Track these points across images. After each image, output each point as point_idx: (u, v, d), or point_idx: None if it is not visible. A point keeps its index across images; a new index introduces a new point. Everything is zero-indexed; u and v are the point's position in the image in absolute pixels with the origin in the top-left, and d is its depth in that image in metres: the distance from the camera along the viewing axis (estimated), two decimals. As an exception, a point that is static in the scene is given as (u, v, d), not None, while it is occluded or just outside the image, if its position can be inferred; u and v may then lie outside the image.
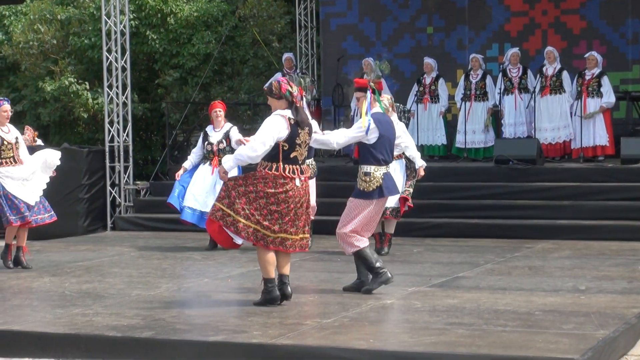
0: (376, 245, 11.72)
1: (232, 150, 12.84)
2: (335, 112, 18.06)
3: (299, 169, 8.25)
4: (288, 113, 8.20)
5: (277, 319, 7.88)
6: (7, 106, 11.22)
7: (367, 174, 8.82)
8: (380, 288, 9.00)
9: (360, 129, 8.80)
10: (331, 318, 7.83)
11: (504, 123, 16.05)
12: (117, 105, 16.12)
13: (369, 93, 8.93)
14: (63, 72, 20.11)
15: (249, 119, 19.82)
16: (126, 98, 16.25)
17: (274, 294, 8.32)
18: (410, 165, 11.46)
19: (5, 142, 11.08)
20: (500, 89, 16.07)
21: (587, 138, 15.34)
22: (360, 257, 8.89)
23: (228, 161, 8.29)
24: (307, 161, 9.27)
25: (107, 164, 16.06)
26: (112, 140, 16.15)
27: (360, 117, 8.95)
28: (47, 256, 12.39)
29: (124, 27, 16.24)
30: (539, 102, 15.68)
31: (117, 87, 16.12)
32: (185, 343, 7.20)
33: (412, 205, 11.50)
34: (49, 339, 7.48)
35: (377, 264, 8.85)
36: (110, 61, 16.12)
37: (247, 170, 8.44)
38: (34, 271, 10.96)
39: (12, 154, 11.11)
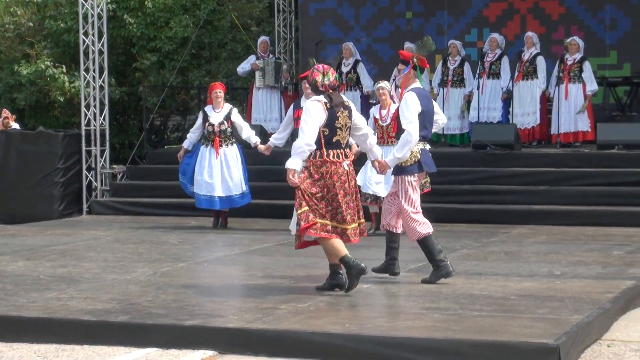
0: (371, 225, 11.72)
1: (233, 132, 13.00)
2: (312, 97, 17.98)
3: (343, 153, 8.13)
4: (322, 98, 8.10)
5: (252, 303, 7.86)
6: None
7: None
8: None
9: (417, 106, 8.47)
10: (307, 302, 7.82)
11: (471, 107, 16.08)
12: (94, 88, 16.03)
13: (409, 68, 8.71)
14: (39, 56, 19.97)
15: (227, 102, 19.73)
16: (103, 82, 16.16)
17: (341, 280, 8.15)
18: None
19: None
20: (478, 73, 16.09)
21: (569, 124, 15.38)
22: (421, 245, 8.65)
23: (293, 162, 8.00)
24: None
25: (84, 148, 15.97)
26: (88, 124, 16.06)
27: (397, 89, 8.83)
28: (21, 240, 12.32)
29: (101, 10, 16.13)
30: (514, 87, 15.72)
31: (94, 71, 16.02)
32: (161, 327, 7.17)
33: (430, 189, 11.46)
34: (23, 323, 7.44)
35: (440, 256, 8.62)
36: (87, 44, 16.02)
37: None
38: (8, 255, 10.91)
39: None
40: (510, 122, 15.59)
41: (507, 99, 15.91)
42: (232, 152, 13.06)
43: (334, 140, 8.08)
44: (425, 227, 8.62)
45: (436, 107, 9.07)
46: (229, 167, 12.99)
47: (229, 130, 12.97)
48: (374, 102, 14.93)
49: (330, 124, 8.06)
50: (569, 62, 15.41)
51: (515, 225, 12.82)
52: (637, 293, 8.36)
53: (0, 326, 7.44)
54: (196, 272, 9.66)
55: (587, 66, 15.34)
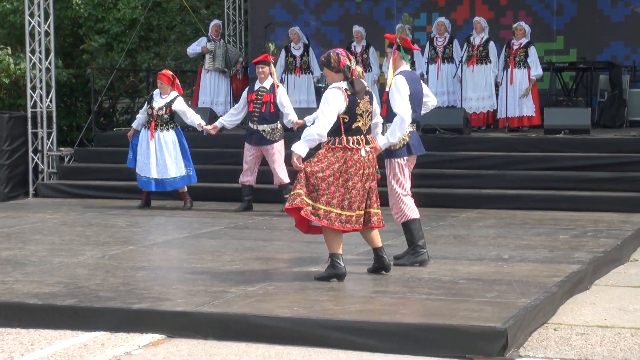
0: None
1: (170, 118, 13.22)
2: (262, 80, 17.93)
3: (364, 139, 8.01)
4: (343, 85, 7.95)
5: (201, 286, 7.83)
6: None
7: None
8: (305, 257, 9.00)
9: (406, 89, 8.45)
10: (256, 286, 7.81)
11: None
12: (40, 70, 15.83)
13: (393, 49, 8.68)
14: (-16, 37, 19.70)
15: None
16: (49, 63, 15.96)
17: (340, 270, 8.01)
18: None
19: None
20: (427, 58, 16.13)
21: (514, 108, 15.51)
22: (405, 227, 8.67)
23: (300, 146, 7.89)
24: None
25: (29, 130, 15.78)
26: (34, 106, 15.87)
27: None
28: (-33, 223, 12.16)
29: (48, -10, 15.92)
30: (465, 71, 15.79)
31: (40, 53, 15.82)
32: (108, 311, 7.12)
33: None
34: (-32, 307, 7.35)
35: (420, 242, 8.67)
36: (33, 26, 15.81)
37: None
38: (-46, 238, 10.76)
39: None
40: (460, 106, 15.65)
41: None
42: (167, 137, 13.21)
43: (353, 127, 7.95)
44: (413, 211, 8.66)
45: (426, 89, 9.05)
46: (162, 151, 13.15)
47: (166, 116, 13.23)
48: (322, 85, 14.92)
49: (351, 111, 7.93)
50: (514, 47, 15.52)
51: (463, 209, 12.89)
52: (583, 277, 8.45)
53: (-55, 310, 7.34)
54: (145, 255, 9.60)
55: (532, 51, 15.47)
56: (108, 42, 19.99)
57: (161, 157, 13.14)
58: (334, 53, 8.06)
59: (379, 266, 8.27)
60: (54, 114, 16.06)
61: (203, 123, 13.16)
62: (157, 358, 6.44)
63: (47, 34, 15.90)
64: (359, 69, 8.32)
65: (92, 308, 7.16)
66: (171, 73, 13.57)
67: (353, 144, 7.94)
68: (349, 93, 7.93)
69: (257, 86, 12.87)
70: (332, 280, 8.00)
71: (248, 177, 12.94)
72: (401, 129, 8.40)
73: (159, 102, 13.30)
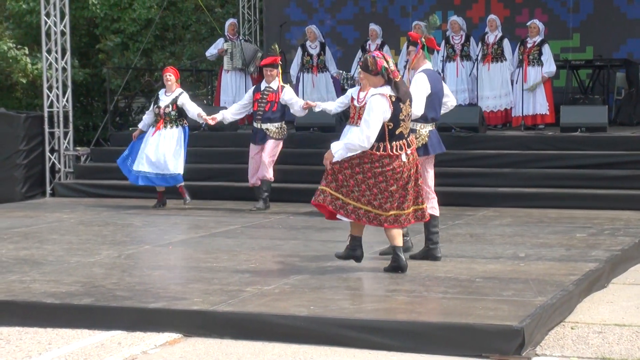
0: None
1: (178, 115, 13.21)
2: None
3: (406, 143, 8.01)
4: (388, 90, 7.87)
5: (217, 285, 7.84)
6: None
7: (413, 131, 8.54)
8: (321, 256, 9.00)
9: (427, 88, 8.48)
10: (272, 285, 7.81)
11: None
12: (57, 70, 15.88)
13: (418, 48, 8.70)
14: (1, 37, 19.76)
15: (191, 85, 19.68)
16: (65, 63, 16.00)
17: (402, 262, 8.15)
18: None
19: None
20: (443, 56, 16.10)
21: (528, 106, 15.48)
22: (427, 223, 8.68)
23: (339, 149, 7.91)
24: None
25: (46, 130, 15.83)
26: (51, 106, 15.92)
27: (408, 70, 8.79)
28: (-16, 223, 12.21)
29: (64, -10, 15.97)
30: (480, 70, 15.75)
31: (56, 52, 15.86)
32: (125, 310, 7.13)
33: None
34: (-15, 306, 7.37)
35: (435, 238, 8.81)
36: (49, 25, 15.86)
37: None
38: (-29, 238, 10.80)
39: None
40: (476, 104, 15.61)
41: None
42: (170, 134, 13.26)
43: (397, 132, 7.92)
44: (434, 209, 8.75)
45: (446, 89, 9.05)
46: (163, 146, 13.19)
47: (174, 113, 13.28)
48: (343, 75, 14.90)
49: (395, 118, 7.89)
50: (528, 45, 15.48)
51: (480, 208, 12.87)
52: (600, 275, 8.43)
53: (-38, 309, 7.37)
54: (161, 254, 9.62)
55: (546, 49, 15.42)
56: (124, 42, 20.03)
57: (162, 151, 13.15)
58: (370, 56, 8.01)
59: (396, 265, 8.27)
60: (71, 114, 16.11)
61: (203, 113, 13.17)
62: (173, 357, 6.45)
63: (63, 33, 15.94)
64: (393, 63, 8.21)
65: (108, 307, 7.18)
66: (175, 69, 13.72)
67: (395, 150, 7.93)
68: (393, 100, 7.87)
69: (263, 86, 12.98)
70: (398, 272, 8.13)
71: (255, 179, 13.01)
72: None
73: (164, 100, 13.37)
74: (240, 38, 17.53)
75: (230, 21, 17.71)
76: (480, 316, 6.64)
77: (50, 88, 15.94)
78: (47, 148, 15.86)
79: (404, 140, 7.99)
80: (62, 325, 7.09)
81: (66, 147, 16.00)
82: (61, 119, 15.90)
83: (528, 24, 15.71)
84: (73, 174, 15.95)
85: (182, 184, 13.37)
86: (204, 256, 9.61)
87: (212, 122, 13.09)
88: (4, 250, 9.88)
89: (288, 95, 12.84)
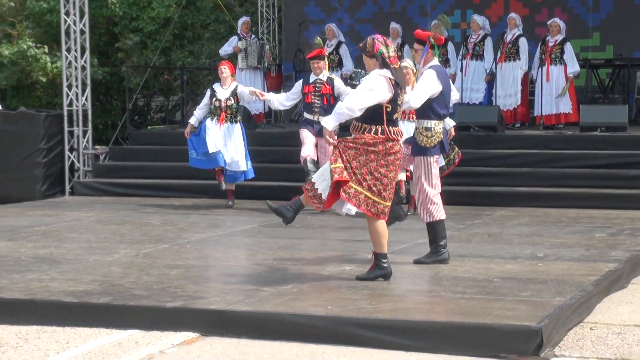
0: (409, 207, 11.63)
1: (237, 107, 13.22)
2: (296, 77, 17.94)
3: (400, 131, 7.88)
4: (387, 73, 7.74)
5: (235, 285, 7.84)
6: None
7: (428, 129, 8.55)
8: (339, 255, 8.99)
9: (435, 84, 8.47)
10: (289, 284, 7.81)
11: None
12: (76, 69, 15.93)
13: (427, 47, 8.67)
14: (21, 36, 19.84)
15: (209, 83, 19.69)
16: (85, 62, 16.06)
17: (387, 269, 7.90)
18: None
19: None
20: (461, 55, 16.07)
21: (551, 106, 15.39)
22: (430, 227, 8.65)
23: (329, 121, 7.72)
24: None
25: (66, 128, 15.89)
26: (70, 105, 15.98)
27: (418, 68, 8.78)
28: (3, 221, 12.26)
29: (83, -11, 16.02)
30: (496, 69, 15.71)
31: (75, 51, 15.92)
32: (143, 309, 7.14)
33: (461, 154, 11.40)
34: (4, 304, 7.39)
35: (442, 242, 8.67)
36: (69, 24, 15.91)
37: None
38: (-10, 236, 10.85)
39: None
40: (493, 103, 15.57)
41: (491, 81, 15.88)
42: (235, 130, 13.19)
43: (394, 117, 7.80)
44: (440, 212, 8.65)
45: (451, 83, 9.05)
46: (231, 143, 13.13)
47: (235, 106, 13.21)
48: (357, 83, 14.85)
49: (394, 102, 7.76)
50: (550, 44, 15.41)
51: (498, 207, 12.84)
52: (620, 275, 8.38)
53: (-19, 308, 7.40)
54: (179, 253, 9.63)
55: (568, 48, 15.34)
56: (142, 41, 20.08)
57: (230, 149, 13.10)
58: (370, 37, 7.91)
59: (384, 274, 7.99)
60: (90, 112, 16.16)
61: (253, 88, 13.22)
62: (190, 356, 6.45)
63: (82, 32, 16.00)
64: (395, 53, 8.12)
65: (126, 306, 7.19)
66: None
67: (394, 134, 7.78)
68: (393, 82, 7.75)
69: (312, 78, 12.78)
70: (378, 280, 7.93)
71: (309, 151, 12.60)
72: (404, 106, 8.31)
73: (223, 93, 13.21)
74: (254, 37, 17.51)
75: (243, 19, 17.69)
76: (499, 316, 6.61)
77: (69, 87, 15.99)
78: (67, 147, 15.91)
79: (398, 127, 7.86)
80: (80, 324, 7.11)
81: (85, 145, 16.05)
82: (80, 117, 15.95)
83: (549, 22, 15.63)
84: (92, 173, 16.01)
85: (233, 187, 13.40)
86: (221, 255, 9.62)
87: (261, 97, 12.93)
88: (23, 249, 9.92)
89: (338, 86, 12.71)
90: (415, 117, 8.98)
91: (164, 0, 19.88)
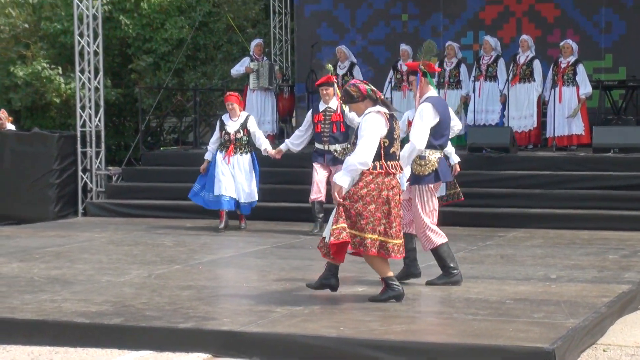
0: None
1: (249, 140, 13.08)
2: (308, 99, 18.00)
3: (398, 165, 7.91)
4: (382, 108, 7.82)
5: (247, 306, 7.84)
6: None
7: (422, 157, 8.58)
8: (351, 276, 8.98)
9: (431, 118, 8.43)
10: (301, 306, 7.80)
11: (468, 109, 16.08)
12: (89, 90, 16.00)
13: (418, 76, 8.66)
14: (35, 57, 19.93)
15: (222, 105, 19.73)
16: (98, 83, 16.13)
17: (399, 290, 7.92)
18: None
19: None
20: (474, 76, 16.07)
21: (563, 127, 15.36)
22: (435, 253, 8.68)
23: (343, 179, 7.72)
24: None
25: (79, 149, 15.94)
26: (83, 126, 16.03)
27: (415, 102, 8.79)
28: (16, 241, 12.29)
29: (96, 11, 16.10)
30: (509, 90, 15.68)
31: (89, 72, 15.99)
32: (155, 330, 7.14)
33: (462, 198, 11.26)
34: (17, 325, 7.41)
35: (451, 264, 8.68)
36: (83, 46, 15.99)
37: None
38: (3, 256, 10.87)
39: None
40: (506, 125, 15.56)
41: (505, 102, 15.87)
42: (243, 161, 13.08)
43: (391, 151, 7.84)
44: (440, 237, 8.64)
45: (451, 113, 9.05)
46: (239, 175, 13.01)
47: (245, 138, 13.09)
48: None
49: (391, 135, 7.81)
50: (562, 65, 15.40)
51: (511, 229, 12.81)
52: (633, 297, 8.35)
53: (-6, 328, 7.41)
54: (190, 274, 9.63)
55: (580, 69, 15.33)
56: (155, 62, 20.14)
57: (240, 181, 12.99)
58: (352, 85, 7.96)
59: (392, 295, 7.98)
60: (103, 133, 16.21)
61: (269, 148, 13.02)
62: (202, 377, 6.44)
63: (96, 53, 16.07)
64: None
65: (138, 327, 7.19)
66: (236, 93, 13.58)
67: (392, 168, 7.83)
68: (388, 116, 7.82)
69: (322, 107, 12.70)
70: (391, 301, 7.92)
71: (318, 194, 12.64)
72: (411, 157, 8.40)
73: (232, 125, 13.11)
74: (266, 59, 17.56)
75: (256, 41, 17.74)
76: (511, 338, 6.59)
77: (83, 108, 16.05)
78: (80, 167, 15.95)
79: (396, 161, 7.89)
80: (92, 344, 7.11)
81: (98, 166, 16.09)
82: (93, 138, 16.00)
83: (561, 44, 15.62)
84: (104, 194, 16.04)
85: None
86: (233, 276, 9.62)
87: (279, 157, 12.87)
88: (36, 269, 9.94)
89: (347, 109, 12.52)
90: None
91: (177, 21, 19.96)
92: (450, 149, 10.93)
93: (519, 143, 15.70)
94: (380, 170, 7.77)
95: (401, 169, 7.97)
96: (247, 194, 13.06)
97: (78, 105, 16.08)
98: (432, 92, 8.69)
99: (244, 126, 13.10)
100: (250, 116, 13.33)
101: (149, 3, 20.10)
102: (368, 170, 7.76)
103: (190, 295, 8.38)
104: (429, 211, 8.64)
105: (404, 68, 16.66)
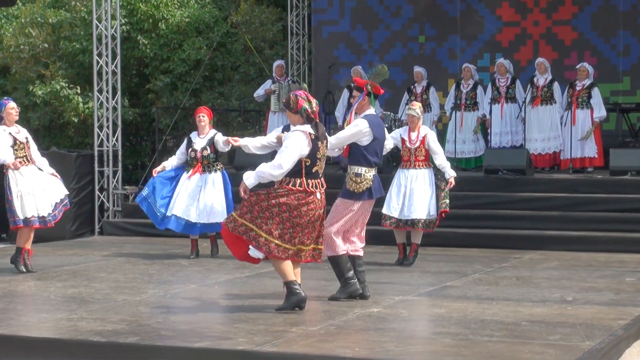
0: (399, 256, 11.63)
1: (216, 157, 12.61)
2: (326, 120, 18.04)
3: (320, 183, 8.29)
4: (308, 128, 8.19)
5: (262, 325, 7.84)
6: (12, 104, 11.13)
7: (358, 174, 8.82)
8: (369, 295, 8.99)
9: (360, 132, 8.77)
10: (317, 326, 7.80)
11: (490, 132, 16.08)
12: (107, 109, 16.09)
13: (364, 94, 8.92)
14: (54, 76, 20.07)
15: (239, 125, 19.80)
16: (116, 102, 16.21)
17: (300, 295, 8.31)
18: (439, 174, 11.41)
19: (17, 142, 11.01)
20: (490, 98, 16.08)
21: (576, 149, 15.36)
22: (334, 262, 8.92)
23: (249, 178, 8.16)
24: None
25: (96, 169, 16.02)
26: (101, 145, 16.12)
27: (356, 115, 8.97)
28: (33, 260, 12.26)
29: (115, 31, 16.21)
30: (529, 112, 15.69)
31: (107, 92, 16.08)
32: (170, 349, 7.15)
33: (447, 210, 11.42)
34: (33, 343, 7.44)
35: (349, 274, 8.88)
36: (101, 65, 16.09)
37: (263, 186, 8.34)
38: (20, 275, 10.92)
39: (24, 154, 11.05)
40: (524, 146, 15.55)
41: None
42: (213, 179, 12.50)
43: (313, 170, 8.21)
44: (340, 248, 8.85)
45: (386, 133, 9.28)
46: (209, 194, 12.42)
47: (212, 155, 12.52)
48: (386, 125, 14.89)
49: (313, 155, 8.18)
50: (577, 88, 15.41)
51: (527, 251, 12.79)
52: (650, 320, 8.31)
53: (11, 346, 7.44)
54: (206, 294, 9.65)
55: (595, 92, 15.33)
56: (173, 82, 20.24)
57: (209, 200, 12.39)
58: (293, 95, 8.34)
59: (296, 299, 8.35)
60: (120, 153, 16.29)
61: (229, 138, 12.56)
62: (217, 397, 6.44)
63: (114, 73, 16.17)
64: (316, 105, 8.34)
65: (153, 346, 7.20)
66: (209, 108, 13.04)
67: (311, 187, 8.18)
68: (313, 137, 8.14)
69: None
70: (295, 310, 8.21)
71: None
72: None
73: (199, 142, 12.54)
74: (288, 79, 17.64)
75: (278, 62, 17.83)
76: (527, 360, 6.58)
77: (100, 127, 16.14)
78: (97, 186, 16.03)
79: (318, 179, 8.26)
80: (108, 363, 7.13)
81: (115, 185, 16.16)
82: (111, 157, 16.08)
83: (577, 67, 15.64)
84: (121, 213, 16.10)
85: (214, 234, 12.63)
86: (248, 296, 9.62)
87: (234, 143, 11.59)
88: (52, 288, 9.97)
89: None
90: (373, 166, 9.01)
91: (194, 42, 20.07)
92: (445, 163, 11.39)
93: (541, 165, 15.72)
94: (300, 188, 8.14)
95: (321, 187, 8.27)
96: (208, 212, 12.38)
97: (96, 124, 16.16)
98: (370, 110, 8.97)
99: (210, 142, 12.50)
100: (218, 133, 12.63)
101: (167, 24, 20.23)
102: (286, 185, 8.15)
103: (206, 315, 8.40)
104: (340, 221, 8.81)
105: (418, 90, 16.70)
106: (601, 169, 15.16)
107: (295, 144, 8.10)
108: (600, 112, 15.28)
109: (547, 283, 10.14)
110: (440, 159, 11.40)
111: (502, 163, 14.72)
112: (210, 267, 11.70)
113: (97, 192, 16.02)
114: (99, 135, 16.12)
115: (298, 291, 8.31)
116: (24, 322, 8.05)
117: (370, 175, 8.83)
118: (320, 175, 8.31)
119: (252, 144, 12.53)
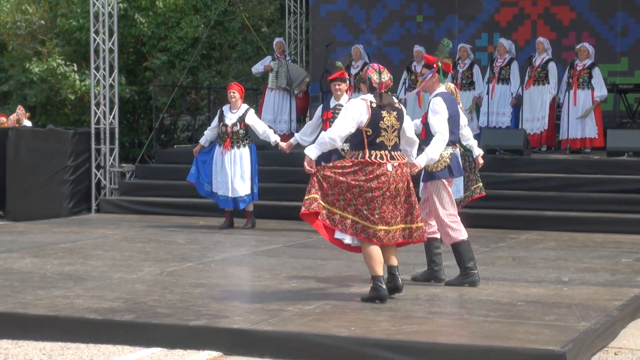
0: None
1: (245, 133, 12.95)
2: (323, 99, 18.00)
3: (389, 155, 7.83)
4: (369, 97, 7.89)
5: (258, 304, 7.85)
6: None
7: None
8: (363, 276, 8.98)
9: (444, 113, 8.45)
10: (313, 305, 7.81)
11: (480, 111, 16.06)
12: (104, 87, 16.04)
13: (434, 71, 8.68)
14: (50, 53, 20.01)
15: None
16: (113, 80, 16.17)
17: (381, 292, 7.84)
18: (466, 155, 10.55)
19: None
20: (487, 78, 16.05)
21: (576, 129, 15.33)
22: (453, 249, 8.66)
23: (310, 149, 7.86)
24: None
25: (93, 146, 15.99)
26: (98, 122, 16.08)
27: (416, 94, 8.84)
28: (29, 237, 12.34)
29: (112, 9, 16.15)
30: (524, 92, 15.66)
31: (104, 69, 16.03)
32: (166, 327, 7.16)
33: (484, 194, 11.16)
34: (29, 320, 7.45)
35: (470, 263, 8.64)
36: (98, 43, 16.04)
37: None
38: (16, 252, 10.92)
39: None
40: (520, 127, 15.54)
41: (516, 104, 15.86)
42: (241, 154, 12.96)
43: (377, 141, 7.82)
44: (460, 233, 8.62)
45: (463, 113, 9.07)
46: (235, 169, 12.93)
47: (242, 132, 12.93)
48: None
49: (374, 124, 7.81)
50: (578, 68, 15.36)
51: (523, 231, 12.80)
52: (645, 301, 8.33)
53: (7, 323, 7.45)
54: (203, 272, 9.65)
55: (596, 72, 15.28)
56: (170, 60, 20.20)
57: (234, 175, 12.89)
58: (368, 67, 8.14)
59: (392, 286, 8.01)
60: (117, 131, 16.25)
61: (278, 139, 12.85)
62: (213, 375, 6.46)
63: (111, 51, 16.11)
64: (389, 79, 8.13)
65: (150, 324, 7.22)
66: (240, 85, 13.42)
67: (376, 158, 7.80)
68: (374, 106, 7.85)
69: (332, 103, 12.26)
70: (376, 302, 7.91)
71: None
72: (440, 148, 8.35)
73: (231, 117, 12.94)
74: (288, 58, 17.59)
75: (277, 40, 17.77)
76: (522, 340, 6.59)
77: (97, 105, 16.10)
78: (94, 164, 16.01)
79: (386, 151, 7.84)
80: (104, 341, 7.14)
81: (112, 163, 16.14)
82: (107, 135, 16.04)
83: (578, 47, 15.57)
84: (118, 191, 16.09)
85: (251, 208, 13.23)
86: (245, 275, 9.64)
87: (287, 150, 12.54)
88: (49, 265, 9.98)
89: None
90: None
91: (192, 20, 20.01)
92: (472, 141, 10.80)
93: (531, 145, 15.68)
94: (362, 160, 7.81)
95: (392, 159, 7.85)
96: (241, 187, 12.90)
97: (93, 102, 16.13)
98: (441, 88, 8.72)
99: (241, 119, 12.89)
100: (250, 109, 13.07)
101: (164, 2, 20.17)
102: (351, 157, 7.86)
103: (202, 293, 8.40)
104: (447, 205, 8.60)
105: (418, 69, 16.65)
106: (599, 149, 15.14)
107: (350, 109, 7.81)
108: (601, 91, 15.23)
109: (543, 263, 10.15)
110: (469, 138, 10.80)
111: (499, 143, 14.71)
112: (207, 245, 11.71)
113: (93, 170, 16.00)
114: (95, 113, 16.08)
115: (380, 288, 7.84)
116: (21, 299, 8.05)
117: (446, 154, 8.54)
118: (390, 148, 7.84)
119: (301, 136, 12.53)
